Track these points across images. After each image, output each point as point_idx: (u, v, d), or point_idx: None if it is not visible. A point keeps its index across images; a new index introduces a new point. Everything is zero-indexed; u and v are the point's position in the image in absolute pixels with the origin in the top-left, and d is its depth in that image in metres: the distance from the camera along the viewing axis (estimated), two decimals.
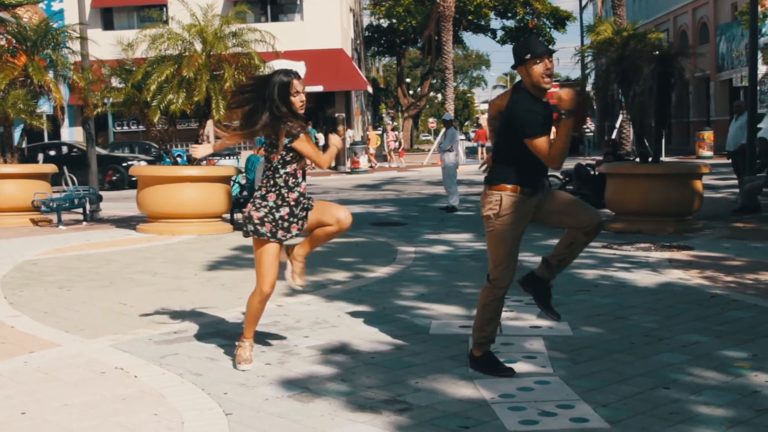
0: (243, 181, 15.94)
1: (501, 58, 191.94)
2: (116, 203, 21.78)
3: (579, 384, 5.33)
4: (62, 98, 17.04)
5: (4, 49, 16.47)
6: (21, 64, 16.36)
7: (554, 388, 5.26)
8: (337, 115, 39.19)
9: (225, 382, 5.52)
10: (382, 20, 57.61)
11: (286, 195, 5.78)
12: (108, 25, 40.03)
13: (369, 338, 6.62)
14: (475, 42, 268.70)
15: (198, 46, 14.67)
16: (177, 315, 7.64)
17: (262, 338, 6.67)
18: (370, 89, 50.88)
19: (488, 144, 42.49)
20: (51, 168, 17.44)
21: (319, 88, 38.36)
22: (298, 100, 5.63)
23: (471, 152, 47.63)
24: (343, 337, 6.68)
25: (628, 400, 5.02)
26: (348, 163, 36.31)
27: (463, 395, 5.15)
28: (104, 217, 17.73)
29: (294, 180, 5.79)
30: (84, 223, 16.63)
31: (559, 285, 8.69)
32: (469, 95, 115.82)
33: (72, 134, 40.29)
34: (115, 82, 16.05)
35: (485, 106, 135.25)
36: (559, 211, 5.52)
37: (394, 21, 54.30)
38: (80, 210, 17.05)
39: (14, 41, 16.61)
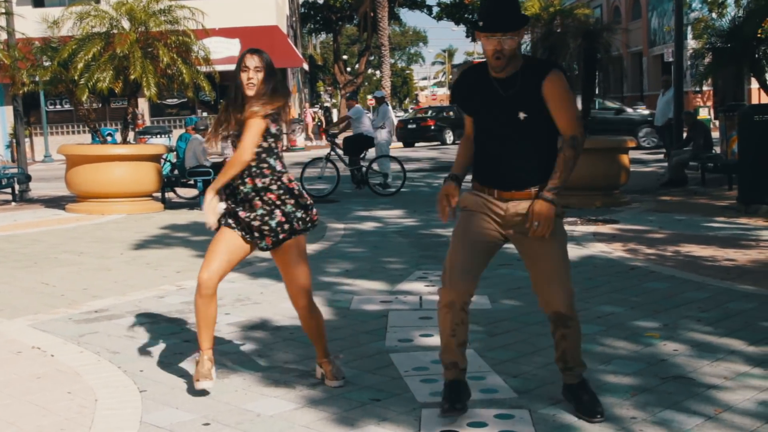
0: (174, 160, 15.84)
1: (438, 34, 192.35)
2: (48, 183, 21.48)
3: (493, 356, 5.43)
4: None
5: None
6: None
7: (468, 360, 5.34)
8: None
9: (142, 359, 5.52)
10: None
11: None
12: (38, 3, 39.26)
13: (290, 314, 6.62)
14: (412, 18, 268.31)
15: (126, 24, 14.49)
16: (99, 294, 7.60)
17: (183, 316, 6.68)
18: (306, 66, 50.61)
19: None
20: None
21: None
22: (244, 77, 4.83)
23: None
24: (264, 313, 6.71)
25: (539, 370, 5.13)
26: (284, 141, 36.16)
27: (377, 369, 5.22)
28: (34, 197, 17.49)
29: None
30: (13, 203, 16.40)
31: None
32: (408, 72, 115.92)
33: (3, 113, 39.55)
34: (44, 60, 15.82)
35: (424, 83, 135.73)
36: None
37: None
38: (9, 190, 16.81)
39: None
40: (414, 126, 36.93)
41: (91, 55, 13.95)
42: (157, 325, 6.45)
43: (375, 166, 17.00)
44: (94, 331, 6.29)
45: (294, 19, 53.03)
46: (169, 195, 16.27)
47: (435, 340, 5.76)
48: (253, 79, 4.80)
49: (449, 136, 36.28)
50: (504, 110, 4.29)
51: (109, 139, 17.69)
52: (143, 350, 5.74)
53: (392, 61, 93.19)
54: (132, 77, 13.97)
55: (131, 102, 15.44)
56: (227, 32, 38.46)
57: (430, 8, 57.99)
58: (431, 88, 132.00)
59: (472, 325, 6.17)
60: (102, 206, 14.26)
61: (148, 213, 14.27)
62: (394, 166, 17.58)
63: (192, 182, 15.07)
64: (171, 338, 6.04)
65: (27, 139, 37.22)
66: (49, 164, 30.97)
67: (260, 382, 4.99)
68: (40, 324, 6.52)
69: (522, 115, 4.23)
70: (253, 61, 4.82)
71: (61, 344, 5.91)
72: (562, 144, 4.27)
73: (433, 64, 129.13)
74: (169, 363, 5.43)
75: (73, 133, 36.80)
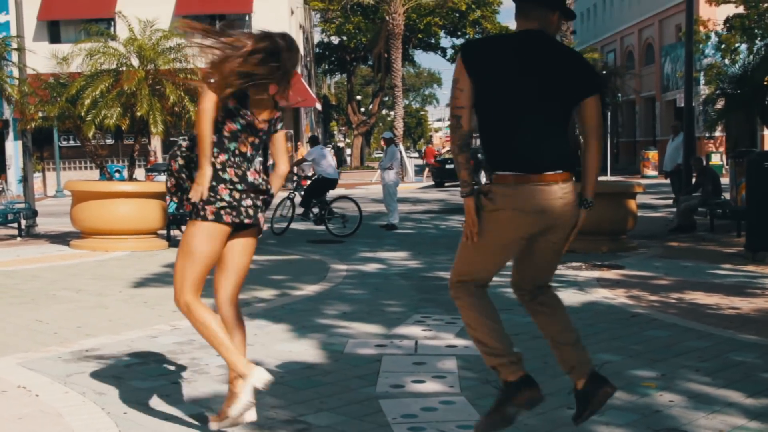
0: None
1: (451, 76, 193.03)
2: (57, 218, 21.48)
3: (484, 404, 5.30)
4: None
5: None
6: None
7: (458, 408, 5.24)
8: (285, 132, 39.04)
9: (127, 401, 5.43)
10: (332, 37, 57.64)
11: None
12: (55, 39, 39.53)
13: (282, 357, 6.56)
14: (426, 60, 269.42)
15: (135, 61, 14.56)
16: (92, 333, 7.52)
17: (174, 356, 6.59)
18: (318, 106, 50.86)
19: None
20: None
21: None
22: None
23: (420, 170, 47.77)
24: (256, 355, 6.60)
25: (530, 419, 5.01)
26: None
27: (365, 415, 5.11)
28: (41, 233, 17.48)
29: None
30: (18, 238, 16.39)
31: None
32: (422, 113, 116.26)
33: (16, 148, 39.76)
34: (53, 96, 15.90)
35: (439, 124, 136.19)
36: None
37: (345, 38, 54.33)
38: (15, 225, 16.81)
39: None
40: (453, 166, 37.13)
41: (98, 91, 14.01)
42: (146, 365, 6.36)
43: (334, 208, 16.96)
44: (82, 370, 6.20)
45: (308, 59, 53.34)
46: (176, 233, 16.23)
47: (426, 387, 5.66)
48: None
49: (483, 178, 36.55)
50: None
51: (117, 175, 17.69)
52: (129, 392, 5.64)
53: (406, 101, 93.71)
54: (138, 114, 13.99)
55: (137, 139, 15.45)
56: None
57: (444, 50, 58.33)
58: (445, 130, 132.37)
59: (465, 372, 6.09)
60: (106, 243, 14.23)
61: (152, 250, 14.23)
62: (350, 206, 17.38)
63: None
64: (159, 380, 5.95)
65: (40, 174, 37.52)
66: (60, 199, 31.05)
67: (243, 428, 4.89)
68: (28, 362, 6.44)
69: None
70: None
71: (48, 384, 5.82)
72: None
73: (447, 105, 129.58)
74: (154, 405, 5.33)
75: (85, 168, 37.00)
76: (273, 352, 6.68)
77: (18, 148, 39.25)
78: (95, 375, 6.08)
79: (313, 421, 5.00)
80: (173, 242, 15.29)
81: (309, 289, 9.92)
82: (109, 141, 28.24)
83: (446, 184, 37.35)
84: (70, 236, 16.07)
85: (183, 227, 15.72)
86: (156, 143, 39.62)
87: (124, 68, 14.44)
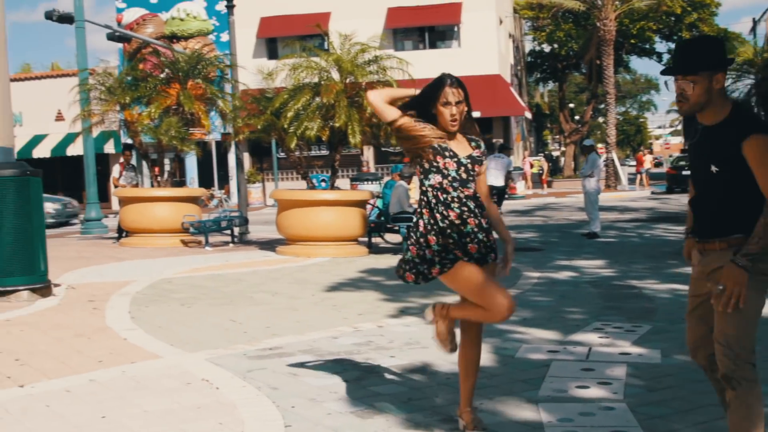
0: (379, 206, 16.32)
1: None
2: (269, 226, 22.47)
3: (644, 411, 5.25)
4: (210, 126, 17.85)
5: (159, 79, 17.39)
6: (175, 92, 17.24)
7: (617, 414, 5.20)
8: (495, 141, 39.27)
9: (297, 396, 5.71)
10: (543, 45, 57.29)
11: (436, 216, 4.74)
12: (272, 55, 41.33)
13: (453, 360, 6.67)
14: (641, 65, 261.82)
15: (336, 75, 15.09)
16: (278, 333, 7.92)
17: (350, 356, 6.85)
18: (528, 115, 50.61)
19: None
20: (201, 192, 18.27)
21: (477, 114, 38.60)
22: (447, 112, 4.67)
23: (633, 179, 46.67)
24: (428, 358, 6.77)
25: (689, 429, 4.92)
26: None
27: (522, 418, 5.17)
28: (252, 239, 18.38)
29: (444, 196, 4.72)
30: (230, 245, 17.30)
31: (669, 312, 8.55)
32: (642, 120, 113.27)
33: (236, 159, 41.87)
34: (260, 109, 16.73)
35: (660, 131, 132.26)
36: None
37: (556, 46, 53.93)
38: (229, 232, 17.78)
39: (168, 71, 17.54)
40: (689, 172, 36.30)
41: (300, 104, 14.61)
42: (322, 364, 6.65)
43: None
44: (262, 367, 6.56)
45: (519, 67, 53.27)
46: (377, 240, 16.73)
47: (590, 392, 5.64)
48: (455, 115, 4.67)
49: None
50: (699, 159, 4.15)
51: (322, 185, 18.37)
52: (301, 388, 5.93)
53: (623, 108, 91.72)
54: (337, 125, 14.48)
55: (338, 149, 15.96)
56: None
57: (659, 55, 56.77)
58: (665, 137, 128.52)
59: (634, 379, 6.02)
60: (309, 249, 14.81)
61: (351, 257, 14.69)
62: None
63: (396, 228, 15.42)
64: (331, 378, 6.20)
65: (260, 184, 39.31)
66: (276, 208, 32.35)
67: (400, 424, 5.06)
68: (216, 358, 6.87)
69: (714, 169, 4.02)
70: (455, 97, 4.65)
71: (229, 378, 6.21)
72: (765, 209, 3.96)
73: (668, 112, 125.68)
74: (321, 401, 5.59)
75: (300, 178, 38.46)
76: (445, 355, 6.81)
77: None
78: (273, 371, 6.42)
79: None
80: (375, 249, 15.75)
81: None
82: (323, 152, 29.27)
83: (676, 189, 36.41)
84: (277, 243, 16.82)
85: (384, 234, 16.18)
86: (369, 153, 40.72)
87: (324, 81, 14.96)
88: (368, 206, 16.37)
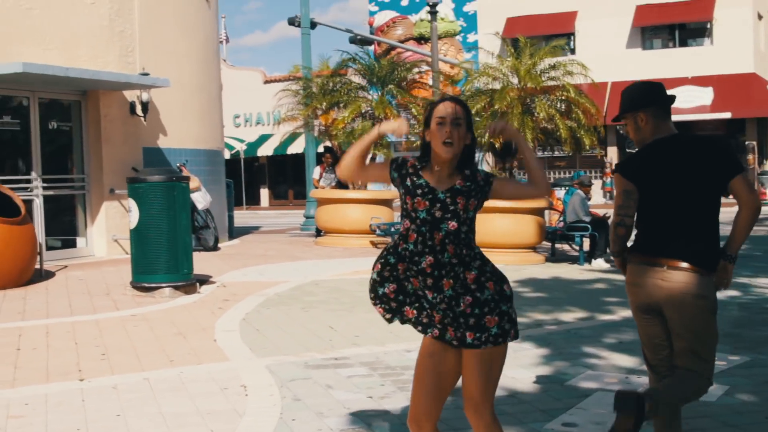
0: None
1: None
2: None
3: None
4: None
5: (355, 85, 17.94)
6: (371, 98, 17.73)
7: None
8: (747, 143, 37.32)
9: (309, 409, 5.82)
10: None
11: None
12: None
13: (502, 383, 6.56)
14: None
15: (514, 80, 15.00)
16: (360, 342, 8.05)
17: (400, 372, 6.87)
18: None
19: None
20: (393, 194, 18.61)
21: (727, 115, 36.78)
22: (440, 132, 3.90)
23: None
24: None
25: None
26: None
27: None
28: None
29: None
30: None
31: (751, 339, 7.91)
32: None
33: None
34: None
35: None
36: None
37: None
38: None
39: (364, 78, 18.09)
40: None
41: (474, 110, 14.65)
42: (366, 378, 6.68)
43: None
44: (308, 376, 6.72)
45: None
46: (564, 248, 16.51)
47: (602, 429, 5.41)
48: (449, 133, 3.88)
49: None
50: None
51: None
52: (322, 400, 6.04)
53: None
54: None
55: (507, 159, 15.85)
56: (699, 80, 37.49)
57: None
58: None
59: None
60: (486, 255, 14.75)
61: (525, 264, 14.55)
62: None
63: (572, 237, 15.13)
64: (360, 392, 6.25)
65: None
66: None
67: None
68: (276, 365, 7.08)
69: None
70: (450, 114, 3.91)
71: (267, 385, 6.41)
72: None
73: None
74: (327, 416, 5.65)
75: None
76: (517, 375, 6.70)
77: None
78: (315, 382, 6.57)
79: None
80: (558, 257, 15.55)
81: (619, 314, 9.62)
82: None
83: None
84: None
85: (570, 243, 15.88)
86: (612, 154, 39.76)
87: (503, 87, 14.90)
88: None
